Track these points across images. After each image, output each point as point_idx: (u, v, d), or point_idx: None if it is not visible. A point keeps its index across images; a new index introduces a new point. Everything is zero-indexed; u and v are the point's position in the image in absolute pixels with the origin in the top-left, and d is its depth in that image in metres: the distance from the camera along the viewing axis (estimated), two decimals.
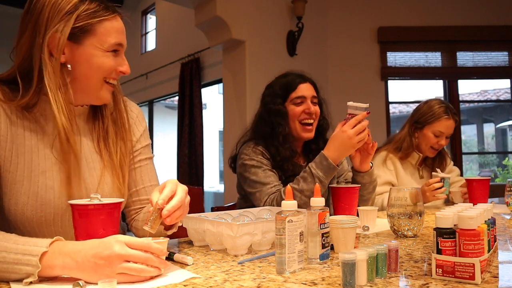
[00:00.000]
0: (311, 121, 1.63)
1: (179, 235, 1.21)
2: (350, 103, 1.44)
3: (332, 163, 1.42)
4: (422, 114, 2.09)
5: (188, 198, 0.95)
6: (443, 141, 2.04)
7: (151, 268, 0.77)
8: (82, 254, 0.74)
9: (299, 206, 1.29)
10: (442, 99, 2.23)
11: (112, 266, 0.73)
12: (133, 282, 0.75)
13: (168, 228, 1.06)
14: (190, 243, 1.13)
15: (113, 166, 1.07)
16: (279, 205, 1.44)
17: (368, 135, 1.45)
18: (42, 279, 0.76)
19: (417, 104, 2.19)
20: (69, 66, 0.96)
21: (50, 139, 0.99)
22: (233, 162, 1.73)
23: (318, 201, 0.90)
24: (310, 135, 1.65)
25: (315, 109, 1.63)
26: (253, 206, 1.59)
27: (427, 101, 2.12)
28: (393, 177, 2.07)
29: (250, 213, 1.16)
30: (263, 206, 1.48)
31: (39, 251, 0.75)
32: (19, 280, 0.75)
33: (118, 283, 0.73)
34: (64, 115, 0.93)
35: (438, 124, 2.04)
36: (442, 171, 2.08)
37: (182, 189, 0.92)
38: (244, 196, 1.69)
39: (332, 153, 1.43)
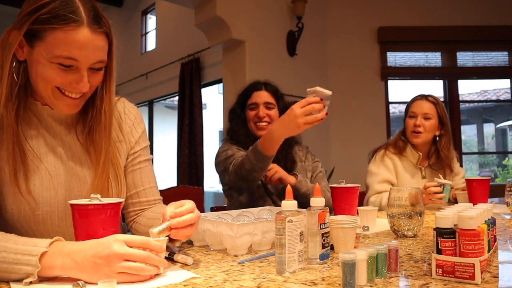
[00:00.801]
0: (263, 123, 1.83)
1: None
2: (314, 88, 1.34)
3: (260, 151, 1.46)
4: (405, 109, 2.22)
5: (197, 222, 0.94)
6: (418, 121, 2.07)
7: (151, 267, 0.76)
8: (82, 254, 0.74)
9: (241, 170, 1.50)
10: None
11: (111, 265, 0.73)
12: (132, 282, 0.75)
13: (171, 242, 1.06)
14: (190, 243, 1.13)
15: (97, 165, 1.03)
16: (236, 167, 1.58)
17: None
18: (42, 279, 0.76)
19: None
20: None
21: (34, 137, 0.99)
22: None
23: (318, 201, 0.90)
24: (263, 133, 1.76)
25: (267, 113, 1.83)
26: (240, 190, 1.78)
27: None
28: (392, 176, 2.07)
29: (250, 213, 1.17)
30: (231, 171, 1.63)
31: (39, 251, 0.75)
32: (19, 280, 0.75)
33: (118, 283, 0.73)
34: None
35: (411, 105, 2.14)
36: (449, 173, 2.09)
37: (197, 212, 0.93)
38: (228, 191, 1.86)
39: (276, 127, 1.42)
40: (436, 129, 2.10)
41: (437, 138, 2.11)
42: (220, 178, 1.87)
